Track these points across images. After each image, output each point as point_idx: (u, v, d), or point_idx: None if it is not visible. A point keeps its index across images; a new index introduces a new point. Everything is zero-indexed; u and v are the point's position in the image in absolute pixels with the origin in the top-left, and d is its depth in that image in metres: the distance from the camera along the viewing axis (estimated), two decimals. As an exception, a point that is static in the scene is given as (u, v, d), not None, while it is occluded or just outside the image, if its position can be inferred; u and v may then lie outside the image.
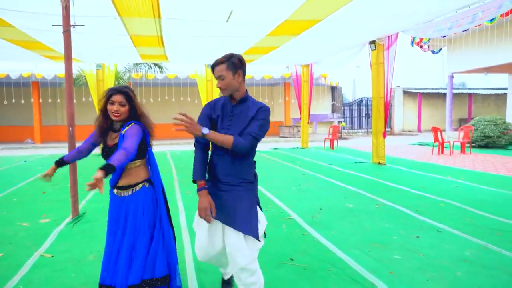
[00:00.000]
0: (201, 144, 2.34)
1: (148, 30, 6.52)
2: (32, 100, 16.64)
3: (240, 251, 2.16)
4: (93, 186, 1.88)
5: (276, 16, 5.97)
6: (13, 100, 15.06)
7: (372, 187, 6.20)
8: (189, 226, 4.18)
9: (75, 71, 14.03)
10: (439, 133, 10.69)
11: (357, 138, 19.07)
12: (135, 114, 2.40)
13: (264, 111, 2.26)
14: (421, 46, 15.80)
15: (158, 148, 14.41)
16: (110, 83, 11.95)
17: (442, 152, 10.75)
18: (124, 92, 2.35)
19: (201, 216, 2.23)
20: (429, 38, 14.96)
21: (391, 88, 8.80)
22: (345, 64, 11.33)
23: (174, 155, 11.68)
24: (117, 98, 2.32)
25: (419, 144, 14.18)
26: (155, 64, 13.81)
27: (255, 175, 2.39)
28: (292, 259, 3.24)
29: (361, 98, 23.45)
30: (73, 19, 4.52)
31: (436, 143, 10.89)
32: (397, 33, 8.18)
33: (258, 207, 2.35)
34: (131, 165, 2.37)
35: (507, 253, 3.25)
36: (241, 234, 2.18)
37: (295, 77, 13.41)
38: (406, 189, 5.95)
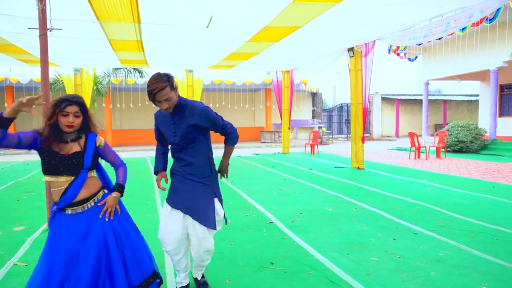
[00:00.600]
0: (160, 142, 2.81)
1: (128, 35, 6.47)
2: (6, 105, 16.16)
3: (205, 238, 2.56)
4: (109, 211, 2.24)
5: (256, 23, 6.05)
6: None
7: (351, 191, 6.31)
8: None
9: (52, 75, 13.71)
10: (415, 138, 11.00)
11: (337, 144, 19.35)
12: (87, 125, 2.27)
13: (205, 112, 2.52)
14: (398, 54, 16.25)
15: (138, 153, 14.21)
16: (88, 88, 11.75)
17: (419, 157, 11.05)
18: (79, 102, 2.20)
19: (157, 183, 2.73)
20: (405, 46, 15.44)
21: (369, 94, 9.01)
22: (324, 71, 11.52)
23: (154, 160, 11.54)
24: (72, 109, 2.13)
25: (397, 149, 14.52)
26: (135, 69, 13.66)
27: (212, 170, 2.66)
28: (272, 263, 3.26)
29: (341, 104, 23.85)
30: (50, 23, 4.44)
31: (413, 148, 11.19)
32: (374, 40, 8.42)
33: (216, 199, 2.64)
34: (89, 175, 2.27)
35: (478, 253, 3.37)
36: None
37: (276, 83, 13.54)
38: (384, 193, 6.08)
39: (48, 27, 4.36)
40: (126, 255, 2.23)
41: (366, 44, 8.59)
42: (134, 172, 8.96)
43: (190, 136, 2.54)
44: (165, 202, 2.65)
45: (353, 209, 5.11)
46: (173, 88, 2.44)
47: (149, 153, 14.17)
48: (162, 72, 2.48)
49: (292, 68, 12.73)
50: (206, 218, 2.53)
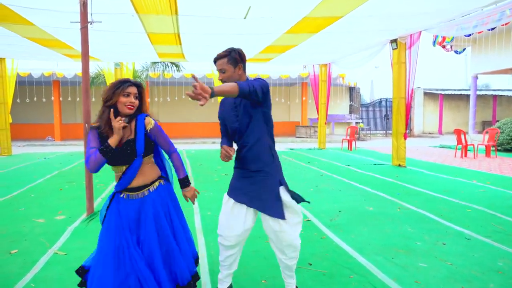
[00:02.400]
0: (224, 135, 2.60)
1: (165, 27, 6.48)
2: (52, 98, 16.97)
3: (283, 232, 2.34)
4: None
5: (295, 13, 5.82)
6: (35, 99, 15.37)
7: (392, 189, 5.97)
8: (204, 229, 4.09)
9: (94, 69, 14.21)
10: (462, 136, 10.32)
11: (375, 140, 18.69)
12: (140, 110, 2.25)
13: (258, 79, 2.31)
14: (443, 46, 15.33)
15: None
16: (128, 82, 12.01)
17: (466, 155, 10.36)
18: (138, 85, 2.22)
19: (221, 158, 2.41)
20: (452, 38, 14.50)
21: (412, 89, 8.53)
22: (364, 64, 11.06)
23: (190, 154, 11.65)
24: (133, 90, 2.15)
25: (440, 147, 13.75)
26: (172, 63, 13.83)
27: (274, 156, 2.47)
28: (310, 264, 3.09)
29: (380, 98, 23.01)
30: (91, 16, 4.49)
31: (460, 146, 10.51)
32: (420, 31, 7.92)
33: (282, 187, 2.40)
34: (144, 163, 2.23)
35: (543, 264, 3.02)
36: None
37: (313, 77, 13.21)
38: (429, 193, 5.70)
39: (88, 20, 4.41)
40: (180, 245, 2.24)
41: (411, 35, 8.11)
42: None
43: (251, 114, 2.35)
44: (225, 196, 2.50)
45: (396, 209, 4.81)
46: (233, 63, 2.33)
47: (185, 146, 14.35)
48: (234, 48, 2.40)
49: (330, 62, 12.35)
50: (271, 208, 2.35)
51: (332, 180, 6.89)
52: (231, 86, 2.09)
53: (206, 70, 14.34)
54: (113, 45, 8.52)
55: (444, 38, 14.43)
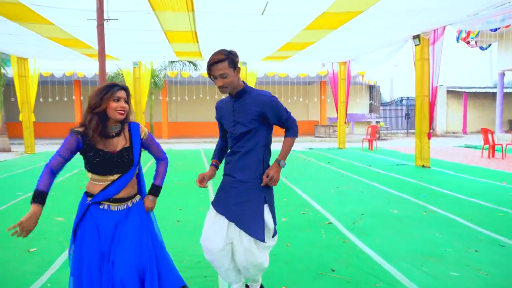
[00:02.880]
0: (221, 131, 2.48)
1: (182, 24, 6.40)
2: (74, 97, 17.27)
3: (251, 251, 2.18)
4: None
5: (314, 8, 5.64)
6: (57, 98, 15.68)
7: (417, 191, 5.72)
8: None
9: (113, 69, 14.36)
10: (489, 135, 9.88)
11: (396, 139, 18.23)
12: (127, 115, 2.09)
13: (272, 101, 2.25)
14: (467, 42, 14.78)
15: (192, 146, 14.45)
16: (146, 81, 12.09)
17: (493, 156, 9.92)
18: (126, 89, 2.06)
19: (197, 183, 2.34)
20: (477, 33, 13.95)
21: (436, 86, 8.19)
22: (385, 61, 10.76)
23: (208, 153, 11.59)
24: (122, 94, 2.00)
25: (465, 147, 13.26)
26: (190, 62, 13.84)
27: (265, 169, 2.30)
28: (333, 270, 2.92)
29: (401, 97, 22.45)
30: (107, 14, 4.44)
31: (486, 146, 10.07)
32: (444, 26, 7.59)
33: (267, 205, 2.26)
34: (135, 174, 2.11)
35: None
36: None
37: (332, 75, 12.96)
38: (456, 195, 5.43)
39: (105, 18, 4.37)
40: (161, 262, 2.09)
41: (434, 30, 7.78)
42: (188, 164, 9.03)
43: (250, 125, 2.23)
44: (211, 205, 2.33)
45: (422, 212, 4.57)
46: (233, 66, 2.16)
47: (203, 145, 14.33)
48: (227, 49, 2.23)
49: (350, 59, 12.06)
50: (253, 227, 2.16)
51: (353, 181, 6.67)
52: (292, 142, 2.37)
53: (224, 69, 14.25)
54: (131, 44, 8.54)
55: (468, 34, 13.90)
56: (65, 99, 15.96)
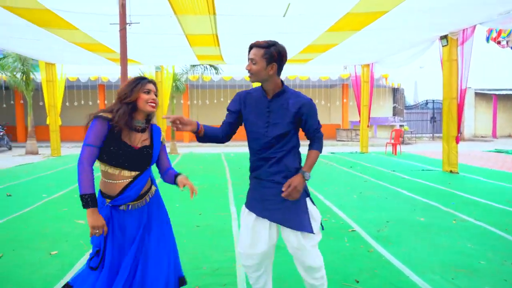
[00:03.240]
0: (229, 123, 2.28)
1: (203, 28, 6.40)
2: (98, 101, 17.68)
3: (302, 250, 2.07)
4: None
5: (337, 9, 5.51)
6: (82, 102, 16.08)
7: (446, 198, 5.46)
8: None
9: (136, 73, 14.60)
10: (522, 139, 9.40)
11: (421, 143, 17.71)
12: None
13: (309, 104, 2.12)
14: (498, 42, 14.14)
15: (213, 149, 14.48)
16: (168, 85, 12.21)
17: (527, 161, 9.44)
18: (155, 83, 2.06)
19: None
20: (509, 33, 13.36)
21: (465, 88, 7.86)
22: (410, 63, 10.47)
23: (229, 157, 11.58)
24: (152, 87, 2.00)
25: (496, 151, 12.70)
26: (211, 66, 13.89)
27: (300, 164, 2.20)
28: (357, 281, 2.79)
29: (426, 100, 21.84)
30: (129, 18, 4.47)
31: (519, 150, 9.59)
32: (474, 25, 7.28)
33: (308, 199, 2.15)
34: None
35: None
36: (298, 232, 2.07)
37: (354, 77, 12.71)
38: (489, 203, 5.14)
39: (127, 22, 4.40)
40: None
41: (463, 30, 7.48)
42: (208, 168, 9.02)
43: (287, 128, 2.09)
44: (243, 209, 2.21)
45: (451, 220, 4.34)
46: (269, 58, 2.00)
47: (224, 149, 14.33)
48: (277, 43, 2.07)
49: (373, 61, 11.79)
50: (299, 222, 2.05)
51: (377, 187, 6.46)
52: (317, 155, 2.18)
53: (245, 72, 14.24)
54: (154, 48, 8.63)
55: (499, 33, 13.31)
56: (90, 103, 16.34)
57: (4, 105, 15.92)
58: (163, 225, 2.09)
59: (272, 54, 2.01)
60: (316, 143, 2.20)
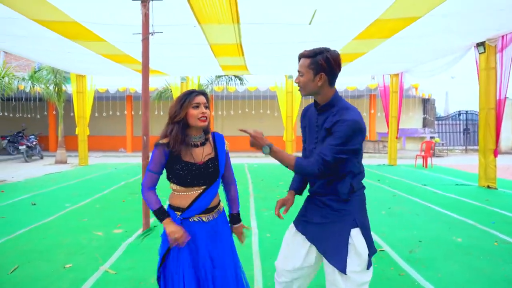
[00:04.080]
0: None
1: (228, 37, 6.33)
2: (126, 112, 18.06)
3: (335, 285, 1.82)
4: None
5: (366, 15, 5.28)
6: (110, 112, 16.48)
7: (484, 216, 5.04)
8: (261, 253, 3.68)
9: (162, 84, 14.82)
10: None
11: (453, 156, 16.90)
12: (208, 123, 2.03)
13: (342, 123, 1.78)
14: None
15: (236, 160, 14.37)
16: (193, 96, 12.25)
17: None
18: (205, 93, 1.99)
19: None
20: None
21: (504, 98, 7.38)
22: (442, 72, 10.00)
23: (252, 168, 11.42)
24: (201, 99, 1.92)
25: (537, 166, 11.87)
26: (235, 76, 13.90)
27: (354, 188, 1.88)
28: (388, 310, 2.51)
29: (459, 111, 20.92)
30: (152, 27, 4.43)
31: None
32: (515, 31, 6.84)
33: (357, 229, 1.82)
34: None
35: None
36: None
37: (383, 88, 12.32)
38: (534, 223, 4.69)
39: (150, 31, 4.36)
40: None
41: (502, 36, 7.04)
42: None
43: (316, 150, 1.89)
44: (291, 224, 2.06)
45: (492, 242, 3.96)
46: (316, 68, 1.83)
47: (247, 160, 14.20)
48: (327, 49, 1.89)
49: (402, 71, 11.39)
50: (332, 252, 1.82)
51: (407, 202, 6.09)
52: (289, 160, 1.86)
53: (269, 83, 14.15)
54: (178, 59, 8.67)
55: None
56: (118, 113, 16.72)
57: (38, 116, 16.53)
58: (226, 249, 2.01)
59: (319, 64, 1.83)
60: (309, 160, 1.83)
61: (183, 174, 1.89)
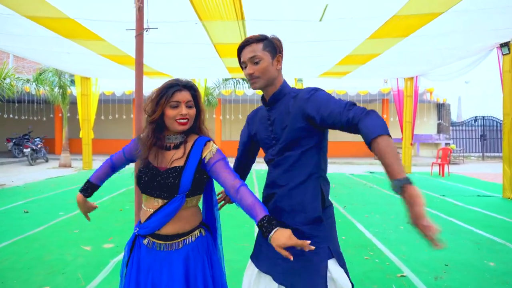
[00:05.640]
0: (242, 150, 1.95)
1: (232, 36, 5.92)
2: (132, 115, 17.81)
3: None
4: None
5: (382, 10, 4.82)
6: (116, 116, 16.23)
7: (516, 234, 4.51)
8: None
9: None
10: None
11: (469, 163, 16.22)
12: (196, 123, 1.59)
13: (316, 93, 1.49)
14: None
15: (243, 165, 13.93)
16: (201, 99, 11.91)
17: None
18: (190, 87, 1.55)
19: None
20: None
21: (531, 103, 6.83)
22: (461, 76, 9.49)
23: (259, 174, 10.97)
24: (183, 96, 1.51)
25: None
26: (243, 80, 13.52)
27: (326, 204, 1.54)
28: None
29: (475, 116, 20.20)
30: (147, 23, 4.05)
31: None
32: (543, 31, 6.31)
33: (333, 259, 1.48)
34: (186, 205, 1.54)
35: None
36: None
37: (396, 92, 11.81)
38: None
39: (144, 27, 3.98)
40: None
41: (529, 36, 6.52)
42: (236, 186, 8.42)
43: (290, 139, 1.52)
44: (249, 261, 1.66)
45: (531, 267, 3.45)
46: (271, 50, 1.56)
47: (255, 165, 13.73)
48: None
49: (418, 74, 10.86)
50: None
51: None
52: (387, 142, 1.28)
53: (278, 86, 13.74)
54: (183, 60, 8.31)
55: None
56: (124, 116, 16.47)
57: (44, 118, 16.38)
58: (191, 283, 1.49)
59: (274, 44, 1.57)
60: (363, 122, 1.31)
61: (142, 177, 1.52)
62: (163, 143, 1.55)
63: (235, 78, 13.33)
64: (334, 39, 6.05)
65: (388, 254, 3.78)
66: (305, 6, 4.61)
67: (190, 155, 1.50)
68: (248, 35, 6.07)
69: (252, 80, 1.56)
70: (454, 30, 5.87)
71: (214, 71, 10.09)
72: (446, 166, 11.11)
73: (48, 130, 18.09)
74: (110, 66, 9.12)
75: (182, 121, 1.49)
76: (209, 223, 1.68)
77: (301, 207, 1.50)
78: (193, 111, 1.53)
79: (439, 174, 10.93)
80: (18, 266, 3.47)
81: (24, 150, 13.68)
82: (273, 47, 1.56)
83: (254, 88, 1.59)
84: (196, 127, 1.59)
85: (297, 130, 1.49)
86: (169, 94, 1.49)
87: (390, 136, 1.29)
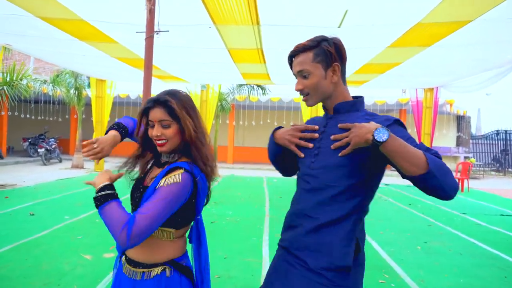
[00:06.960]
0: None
1: (247, 41, 5.76)
2: (146, 118, 17.87)
3: None
4: None
5: (406, 17, 4.57)
6: (131, 118, 16.27)
7: (546, 262, 4.16)
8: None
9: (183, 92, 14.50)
10: None
11: (489, 179, 15.63)
12: (187, 143, 1.38)
13: (399, 127, 1.29)
14: None
15: (256, 172, 13.74)
16: (213, 104, 11.79)
17: None
18: (164, 103, 1.32)
19: None
20: None
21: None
22: (483, 88, 9.13)
23: (271, 182, 10.74)
24: (157, 115, 1.33)
25: None
26: (258, 86, 13.36)
27: (360, 249, 1.30)
28: None
29: (497, 130, 19.54)
30: (158, 26, 3.93)
31: None
32: None
33: None
34: (156, 233, 1.33)
35: None
36: None
37: (415, 102, 11.45)
38: None
39: (155, 30, 3.86)
40: None
41: (561, 48, 6.15)
42: (247, 194, 8.23)
43: (342, 168, 1.27)
44: None
45: None
46: (324, 60, 1.29)
47: (267, 172, 13.53)
48: (326, 36, 1.35)
49: (439, 85, 10.50)
50: None
51: (446, 235, 5.24)
52: (418, 152, 1.19)
53: (294, 93, 13.53)
54: (198, 65, 8.20)
55: None
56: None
57: (60, 119, 16.54)
58: None
59: (327, 52, 1.29)
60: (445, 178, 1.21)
61: (132, 186, 1.44)
62: (160, 159, 1.44)
63: (249, 84, 13.19)
64: (352, 47, 5.80)
65: (404, 278, 3.50)
66: (323, 12, 4.41)
67: (156, 178, 1.34)
68: (264, 41, 5.91)
69: (303, 96, 1.36)
70: (482, 40, 5.57)
71: (228, 77, 9.96)
72: (465, 181, 10.65)
73: (64, 130, 18.28)
74: (123, 69, 9.09)
75: (158, 142, 1.34)
76: (189, 264, 1.43)
77: (327, 249, 1.25)
78: (170, 131, 1.32)
79: (459, 189, 10.47)
80: (15, 275, 3.33)
81: (39, 150, 13.80)
82: (327, 55, 1.29)
83: (308, 106, 1.38)
84: (188, 150, 1.38)
85: (356, 155, 1.25)
86: (146, 112, 1.36)
87: (430, 161, 1.21)
